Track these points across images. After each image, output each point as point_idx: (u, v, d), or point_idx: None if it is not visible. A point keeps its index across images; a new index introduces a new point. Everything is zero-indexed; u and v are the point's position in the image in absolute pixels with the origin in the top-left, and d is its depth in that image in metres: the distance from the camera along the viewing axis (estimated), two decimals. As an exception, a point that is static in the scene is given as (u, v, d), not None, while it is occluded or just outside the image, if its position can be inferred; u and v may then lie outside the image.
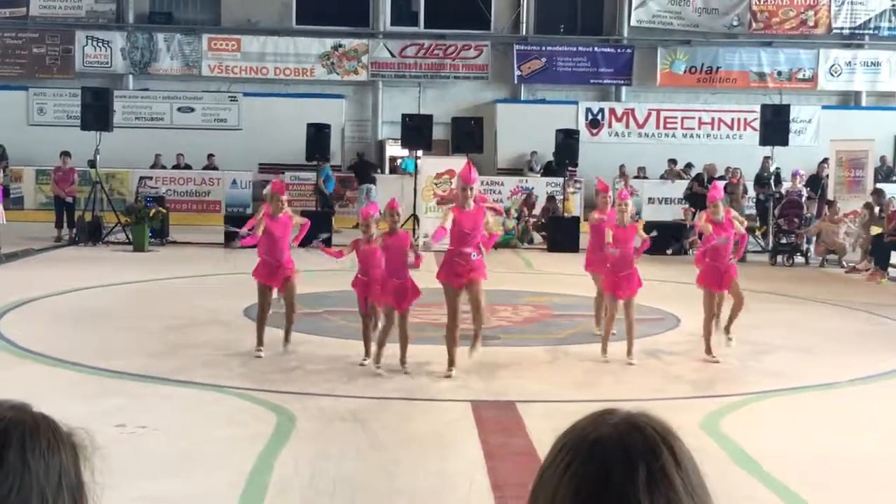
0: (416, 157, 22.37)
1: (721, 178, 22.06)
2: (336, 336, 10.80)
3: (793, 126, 23.29)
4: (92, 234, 19.73)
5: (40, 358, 9.38)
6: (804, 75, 28.67)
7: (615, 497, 1.24)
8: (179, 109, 27.68)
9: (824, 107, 28.63)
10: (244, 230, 10.02)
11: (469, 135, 21.80)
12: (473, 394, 8.46)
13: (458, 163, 19.61)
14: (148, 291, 13.96)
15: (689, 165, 25.60)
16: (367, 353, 9.39)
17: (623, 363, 9.67)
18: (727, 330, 10.43)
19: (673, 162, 26.36)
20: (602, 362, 9.78)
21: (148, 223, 19.10)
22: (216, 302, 12.76)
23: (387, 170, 27.94)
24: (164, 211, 20.07)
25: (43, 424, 1.33)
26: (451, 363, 9.04)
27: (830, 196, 20.98)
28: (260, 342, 9.80)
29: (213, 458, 6.56)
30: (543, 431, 6.90)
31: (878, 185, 20.58)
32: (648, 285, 10.40)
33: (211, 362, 9.42)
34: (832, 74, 28.77)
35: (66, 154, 21.07)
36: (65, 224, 20.56)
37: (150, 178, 25.36)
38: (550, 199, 22.84)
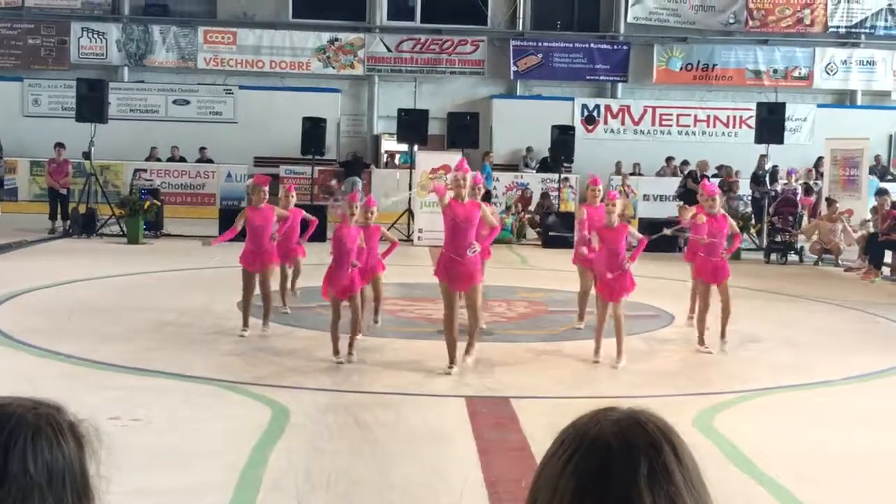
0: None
1: (716, 175, 22.11)
2: (329, 330, 10.76)
3: (788, 124, 23.31)
4: (86, 226, 19.68)
5: (34, 350, 9.36)
6: (800, 73, 28.69)
7: (616, 491, 1.24)
8: (175, 102, 27.60)
9: (820, 105, 28.65)
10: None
11: (465, 130, 21.77)
12: (468, 389, 8.46)
13: (453, 158, 19.62)
14: (142, 284, 13.94)
15: (685, 163, 25.59)
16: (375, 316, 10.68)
17: (614, 362, 9.59)
18: (722, 335, 10.35)
19: (671, 159, 26.37)
20: (594, 363, 9.67)
21: (142, 215, 19.07)
22: (210, 294, 12.74)
23: (382, 164, 27.90)
24: (159, 203, 20.02)
25: (45, 428, 1.31)
26: (452, 360, 8.94)
27: (825, 194, 21.01)
28: (245, 323, 10.38)
29: (207, 451, 6.55)
30: (538, 427, 6.91)
31: (881, 185, 20.65)
32: (642, 282, 10.38)
33: (205, 355, 9.41)
34: (828, 73, 28.80)
35: (60, 146, 21.02)
36: (59, 216, 20.49)
37: (145, 170, 25.29)
38: (545, 195, 22.85)
